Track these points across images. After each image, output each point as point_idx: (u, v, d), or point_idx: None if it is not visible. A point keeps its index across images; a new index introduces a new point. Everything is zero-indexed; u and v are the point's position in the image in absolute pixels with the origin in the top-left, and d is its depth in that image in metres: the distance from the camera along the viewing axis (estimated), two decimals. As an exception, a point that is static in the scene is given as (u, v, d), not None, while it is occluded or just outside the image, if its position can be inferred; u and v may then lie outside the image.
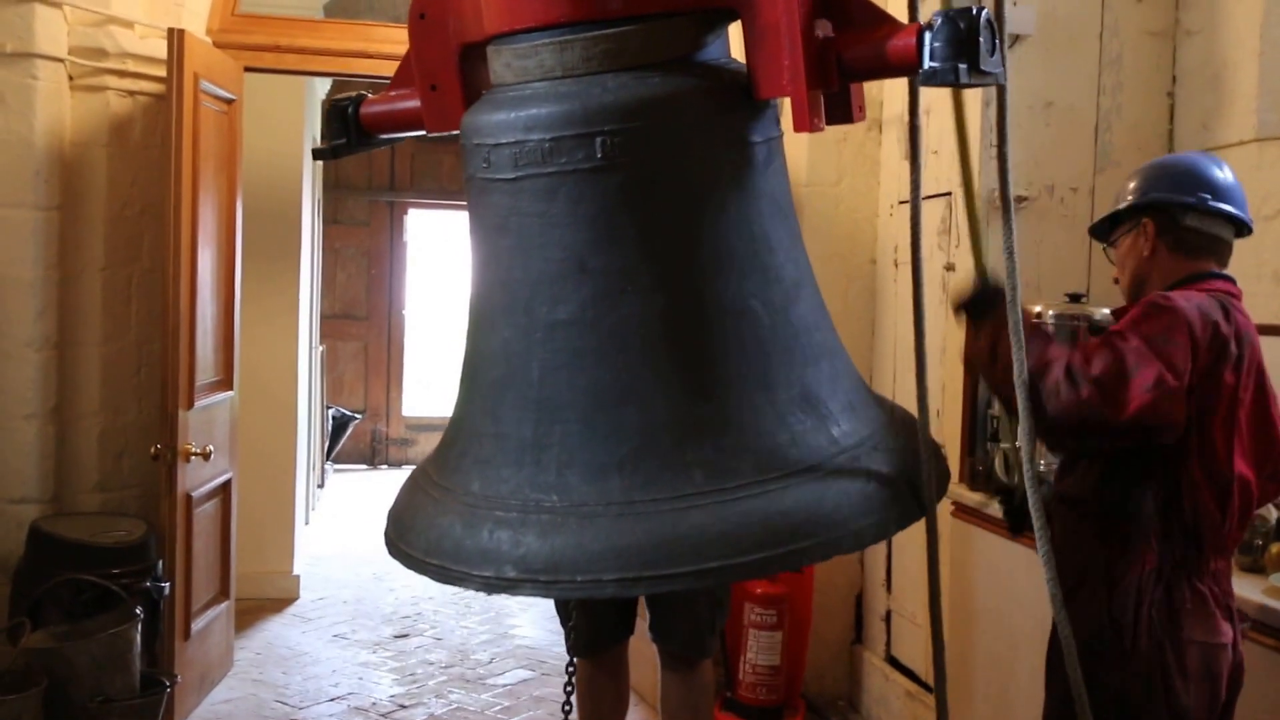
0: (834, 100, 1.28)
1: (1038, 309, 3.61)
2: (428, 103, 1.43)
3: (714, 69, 1.30)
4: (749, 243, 1.28)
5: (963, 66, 1.18)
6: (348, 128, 1.54)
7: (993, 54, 1.22)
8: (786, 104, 1.30)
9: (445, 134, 1.46)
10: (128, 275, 4.85)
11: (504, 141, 1.26)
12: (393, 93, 1.52)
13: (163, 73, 4.66)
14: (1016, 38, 4.19)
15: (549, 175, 1.24)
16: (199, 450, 4.69)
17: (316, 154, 1.61)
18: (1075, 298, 3.66)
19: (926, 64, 1.19)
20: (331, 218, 11.44)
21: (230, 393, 5.24)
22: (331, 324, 11.35)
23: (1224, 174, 2.67)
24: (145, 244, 4.86)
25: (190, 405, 4.67)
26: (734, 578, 1.19)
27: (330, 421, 10.49)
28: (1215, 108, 4.20)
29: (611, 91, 1.23)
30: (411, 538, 1.32)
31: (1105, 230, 2.80)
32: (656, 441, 1.21)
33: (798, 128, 1.24)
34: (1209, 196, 2.60)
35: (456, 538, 1.25)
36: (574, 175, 1.23)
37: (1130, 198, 2.69)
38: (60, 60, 4.60)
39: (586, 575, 1.15)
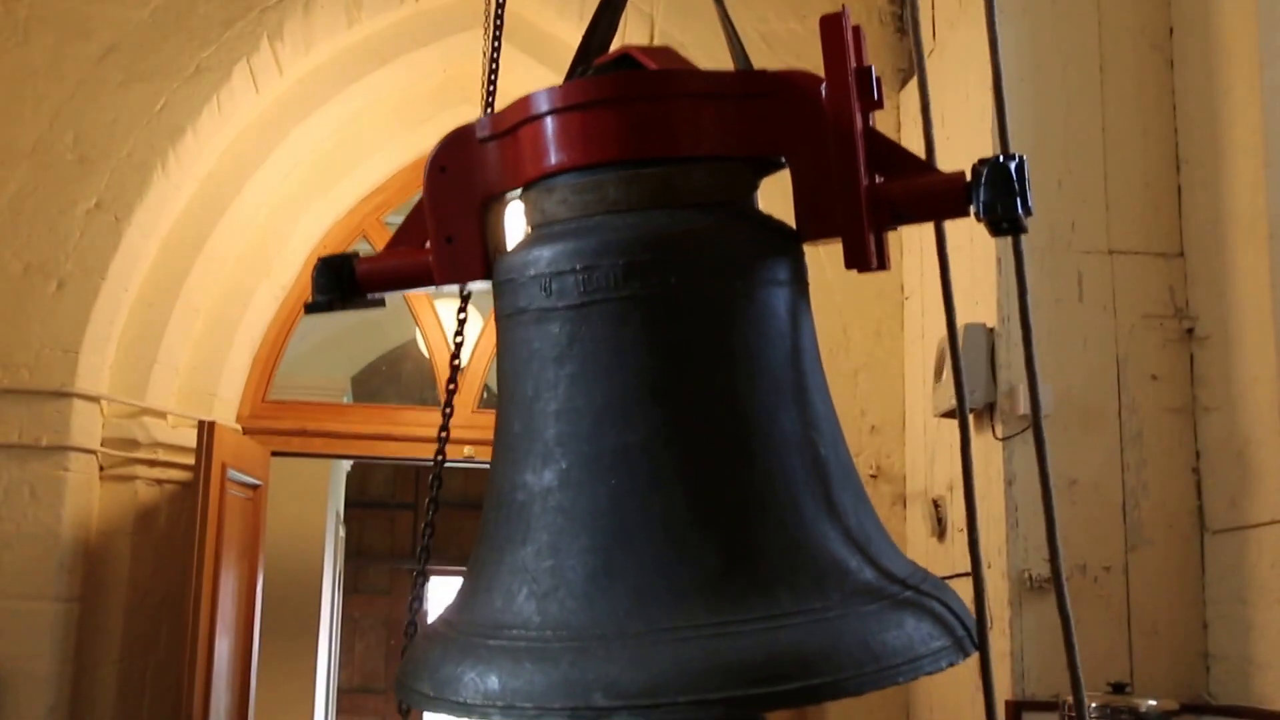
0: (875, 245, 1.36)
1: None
2: (441, 256, 1.42)
3: (761, 212, 1.38)
4: (803, 377, 1.33)
5: (1015, 202, 1.23)
6: (341, 285, 1.49)
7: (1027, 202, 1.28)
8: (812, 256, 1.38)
9: (449, 284, 1.45)
10: (142, 668, 4.75)
11: (571, 269, 1.27)
12: (394, 249, 1.50)
13: (191, 460, 4.73)
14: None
15: (621, 299, 1.26)
16: None
17: (309, 308, 1.55)
18: (1119, 688, 3.53)
19: (978, 201, 1.23)
20: (352, 587, 11.37)
21: (241, 788, 5.03)
22: (349, 698, 11.06)
23: None
24: (163, 635, 4.79)
25: (198, 805, 4.47)
26: (840, 694, 1.17)
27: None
28: (1242, 484, 4.15)
29: (682, 222, 1.28)
30: (459, 686, 1.21)
31: None
32: (738, 564, 1.22)
33: (850, 265, 1.29)
34: None
35: (527, 675, 1.17)
36: (647, 300, 1.26)
37: None
38: (93, 452, 4.69)
39: (690, 695, 1.12)
